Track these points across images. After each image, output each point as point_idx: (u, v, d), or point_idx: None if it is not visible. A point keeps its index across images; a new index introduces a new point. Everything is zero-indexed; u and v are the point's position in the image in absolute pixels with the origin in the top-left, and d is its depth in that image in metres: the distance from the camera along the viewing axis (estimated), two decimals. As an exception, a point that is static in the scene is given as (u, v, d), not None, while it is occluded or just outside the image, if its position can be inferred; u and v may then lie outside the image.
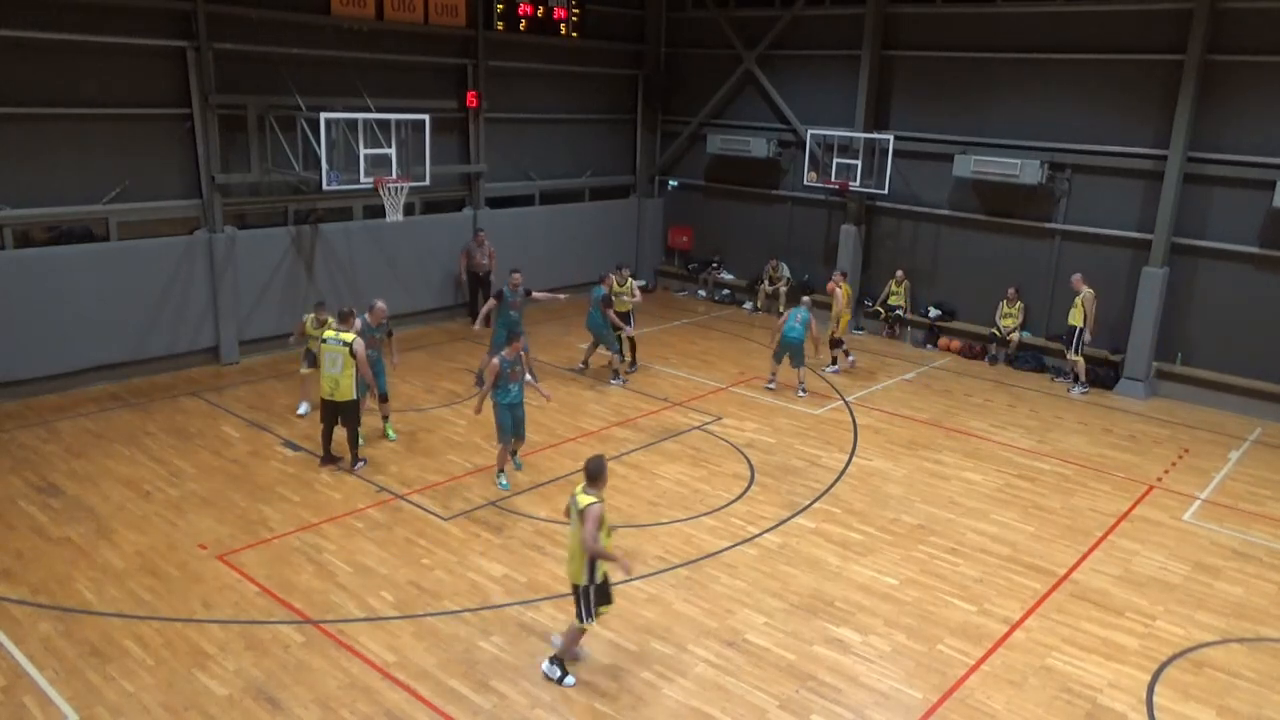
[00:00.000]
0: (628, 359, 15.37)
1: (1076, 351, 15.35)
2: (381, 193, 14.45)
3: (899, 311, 18.20)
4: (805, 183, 18.46)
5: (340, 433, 11.19)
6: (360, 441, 11.28)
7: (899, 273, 18.14)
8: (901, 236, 18.44)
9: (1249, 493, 11.73)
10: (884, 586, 9.10)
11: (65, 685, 7.17)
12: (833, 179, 17.80)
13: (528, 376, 11.13)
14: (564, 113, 19.75)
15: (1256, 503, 11.45)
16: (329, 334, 10.89)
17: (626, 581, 8.95)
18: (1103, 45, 15.44)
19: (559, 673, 7.44)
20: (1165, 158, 14.76)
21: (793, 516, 10.51)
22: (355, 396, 10.93)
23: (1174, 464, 12.56)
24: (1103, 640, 8.33)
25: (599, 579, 7.29)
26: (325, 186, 13.89)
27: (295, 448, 11.80)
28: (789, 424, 13.40)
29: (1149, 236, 15.14)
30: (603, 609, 7.44)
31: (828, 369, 16.01)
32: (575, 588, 7.33)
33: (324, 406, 11.06)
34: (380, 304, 11.95)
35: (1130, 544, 10.20)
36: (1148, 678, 7.83)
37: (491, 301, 13.60)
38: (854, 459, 12.25)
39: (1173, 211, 14.79)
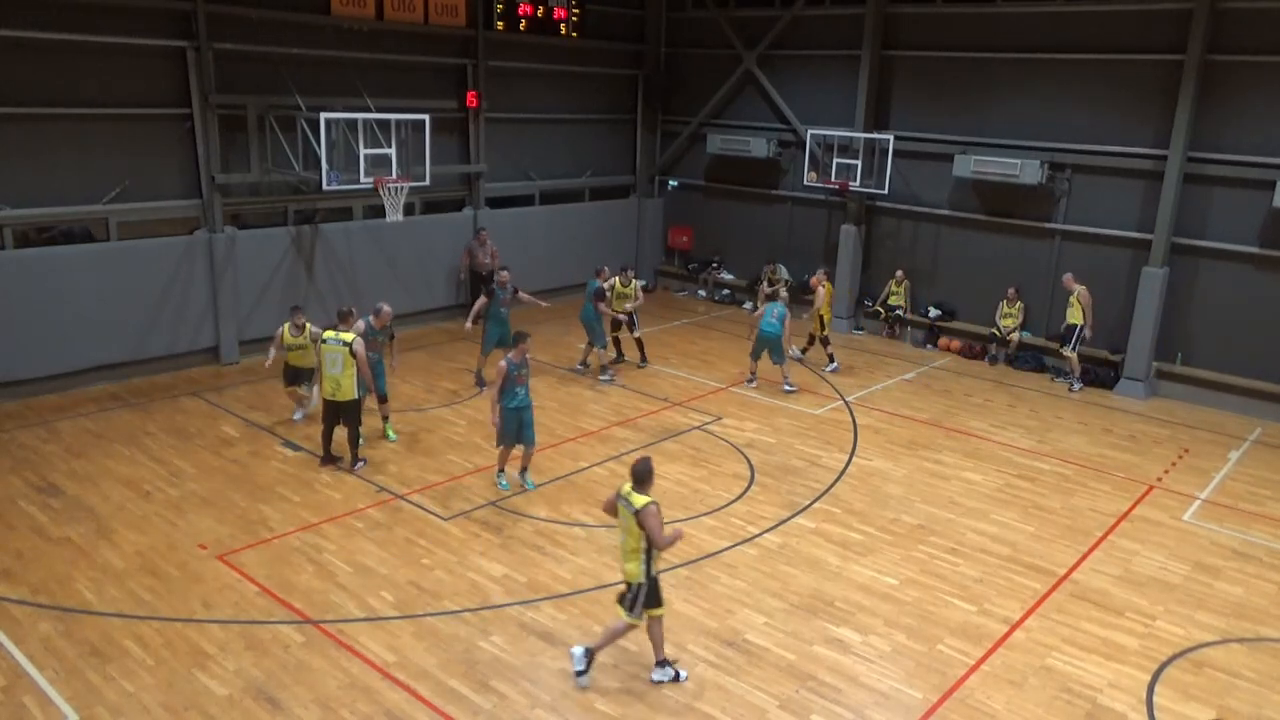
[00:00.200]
0: (621, 356, 15.58)
1: (1073, 349, 15.40)
2: (381, 193, 14.45)
3: (899, 311, 18.20)
4: (805, 183, 18.46)
5: (340, 433, 11.19)
6: (360, 441, 11.28)
7: (899, 273, 18.14)
8: (901, 236, 18.44)
9: (1249, 493, 11.73)
10: (884, 586, 9.10)
11: (65, 685, 7.17)
12: (833, 179, 17.80)
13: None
14: (564, 113, 19.75)
15: (1256, 503, 11.45)
16: (329, 334, 10.90)
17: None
18: (1103, 45, 15.44)
19: (584, 672, 7.41)
20: (1165, 158, 14.76)
21: (793, 516, 10.51)
22: (357, 396, 10.94)
23: (1174, 464, 12.56)
24: (1103, 640, 8.33)
25: (654, 576, 7.29)
26: (325, 186, 13.89)
27: (295, 448, 11.80)
28: (789, 424, 13.40)
29: (1149, 236, 15.14)
30: (654, 611, 7.41)
31: (827, 368, 16.04)
32: (629, 585, 7.28)
33: (325, 406, 11.07)
34: (386, 307, 12.00)
35: (1130, 544, 10.20)
36: (1148, 678, 7.83)
37: (481, 299, 13.73)
38: (854, 459, 12.25)
39: (1173, 211, 14.79)
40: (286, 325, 12.06)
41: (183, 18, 13.75)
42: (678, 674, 7.52)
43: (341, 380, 10.80)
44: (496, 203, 18.72)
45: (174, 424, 12.43)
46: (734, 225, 20.84)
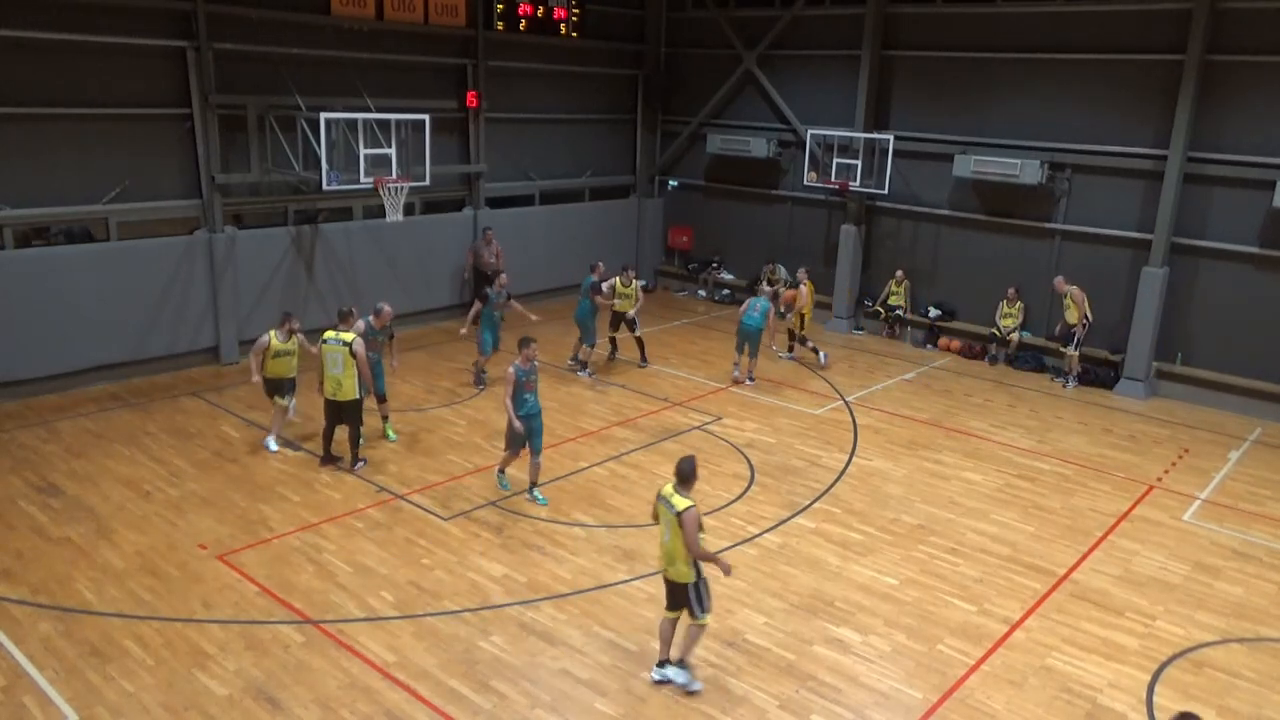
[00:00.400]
0: (615, 352, 15.77)
1: (1076, 348, 15.46)
2: (381, 193, 14.45)
3: (899, 311, 18.20)
4: (805, 183, 18.46)
5: (341, 433, 11.20)
6: (360, 441, 11.28)
7: (899, 273, 18.15)
8: (901, 236, 18.44)
9: (1249, 493, 11.73)
10: (884, 586, 9.10)
11: (65, 685, 7.17)
12: (833, 179, 17.80)
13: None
14: (564, 113, 19.75)
15: (1256, 503, 11.45)
16: (329, 334, 10.90)
17: (627, 581, 8.97)
18: (1103, 45, 15.44)
19: (684, 678, 7.39)
20: (1165, 158, 14.76)
21: (793, 516, 10.51)
22: (358, 396, 10.95)
23: (1174, 464, 12.56)
24: (1103, 640, 8.33)
25: (704, 573, 7.30)
26: (325, 186, 13.89)
27: (295, 448, 11.80)
28: (789, 424, 13.40)
29: (1149, 236, 15.14)
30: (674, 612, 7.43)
31: (784, 355, 16.45)
32: (684, 587, 7.25)
33: (327, 406, 11.07)
34: (387, 308, 12.01)
35: (1130, 544, 10.20)
36: (1148, 678, 7.83)
37: (477, 304, 13.78)
38: (854, 459, 12.25)
39: (1173, 211, 14.79)
40: (274, 332, 11.43)
41: (183, 18, 13.75)
42: (669, 680, 7.47)
43: (343, 380, 10.80)
44: (496, 203, 18.72)
45: (174, 424, 12.43)
46: (734, 225, 20.84)
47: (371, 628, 8.08)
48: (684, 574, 7.22)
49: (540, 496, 10.59)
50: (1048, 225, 16.46)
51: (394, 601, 8.49)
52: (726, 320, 19.24)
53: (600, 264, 15.37)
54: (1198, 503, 11.37)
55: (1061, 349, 15.85)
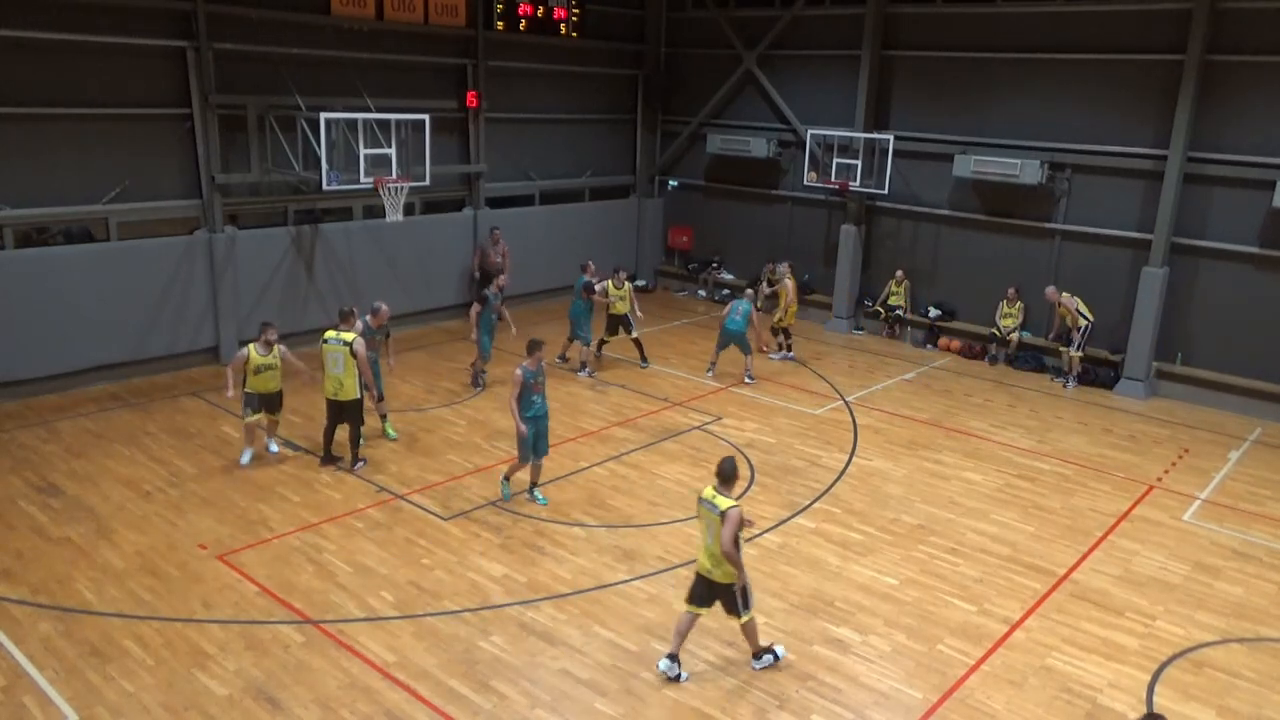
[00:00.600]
0: (600, 354, 15.81)
1: (1078, 348, 15.50)
2: (381, 193, 14.46)
3: (899, 311, 18.20)
4: (805, 183, 18.46)
5: (341, 433, 11.20)
6: (361, 441, 11.28)
7: (899, 273, 18.15)
8: (901, 236, 18.44)
9: (1249, 493, 11.73)
10: (884, 586, 9.09)
11: (65, 685, 7.17)
12: (833, 179, 17.80)
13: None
14: (564, 113, 19.75)
15: (1256, 503, 11.45)
16: (330, 334, 10.91)
17: (627, 581, 8.97)
18: (1103, 45, 15.44)
19: (771, 658, 7.67)
20: (1165, 158, 14.76)
21: (793, 516, 10.50)
22: (359, 396, 10.95)
23: (1174, 464, 12.56)
24: (1103, 640, 8.33)
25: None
26: (325, 186, 13.89)
27: (295, 448, 11.79)
28: (789, 424, 13.40)
29: (1149, 236, 15.14)
30: (698, 612, 7.55)
31: (772, 356, 16.55)
32: (728, 588, 7.36)
33: (328, 406, 11.07)
34: (384, 307, 12.07)
35: (1130, 544, 10.20)
36: (1148, 678, 7.83)
37: (475, 306, 13.74)
38: (854, 459, 12.25)
39: (1173, 211, 14.78)
40: (252, 345, 10.94)
41: (183, 18, 13.75)
42: (776, 656, 7.74)
43: (344, 380, 10.81)
44: (496, 203, 18.72)
45: (174, 424, 12.43)
46: (734, 225, 20.84)
47: (371, 628, 8.08)
48: (729, 574, 7.32)
49: (540, 496, 10.58)
50: (1048, 225, 16.46)
51: (394, 601, 8.49)
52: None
53: (591, 262, 15.48)
54: (1198, 503, 11.37)
55: (1060, 348, 15.88)
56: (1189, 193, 14.80)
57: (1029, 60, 16.25)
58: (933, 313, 17.82)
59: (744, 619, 7.50)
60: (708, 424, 13.23)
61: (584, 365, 15.17)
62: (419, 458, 11.66)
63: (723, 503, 7.22)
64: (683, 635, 7.56)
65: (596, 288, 15.09)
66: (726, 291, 20.84)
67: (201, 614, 8.17)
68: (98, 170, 13.40)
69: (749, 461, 11.94)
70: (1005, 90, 16.60)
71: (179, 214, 14.33)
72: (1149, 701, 7.52)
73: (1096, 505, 11.13)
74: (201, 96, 14.02)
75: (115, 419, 12.55)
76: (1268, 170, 14.02)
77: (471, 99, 17.55)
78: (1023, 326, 16.75)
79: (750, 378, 15.13)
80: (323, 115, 13.50)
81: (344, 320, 11.06)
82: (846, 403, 14.48)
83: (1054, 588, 9.21)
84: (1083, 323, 15.41)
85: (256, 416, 11.11)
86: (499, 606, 8.48)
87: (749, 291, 15.46)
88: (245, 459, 11.17)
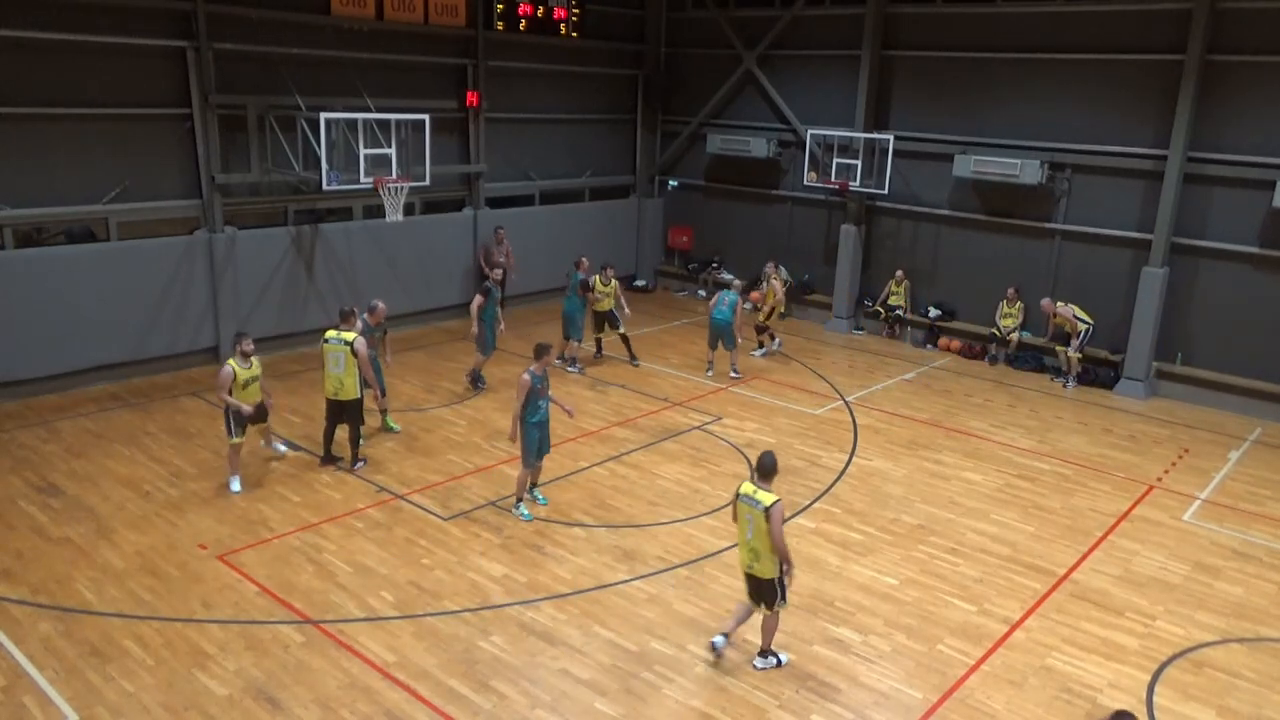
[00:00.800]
0: (600, 352, 15.96)
1: (1078, 349, 15.54)
2: (381, 193, 14.45)
3: (899, 311, 18.20)
4: (805, 183, 18.46)
5: (341, 433, 11.19)
6: (360, 441, 11.28)
7: (899, 273, 18.15)
8: (901, 236, 18.44)
9: (1249, 493, 11.73)
10: (884, 586, 9.09)
11: (65, 685, 7.17)
12: (833, 179, 17.80)
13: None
14: (564, 113, 19.75)
15: (1256, 503, 11.45)
16: (330, 334, 10.92)
17: (627, 581, 8.97)
18: (1103, 45, 15.43)
19: (774, 661, 7.70)
20: (1165, 158, 14.76)
21: (793, 516, 10.50)
22: (359, 395, 10.95)
23: (1174, 464, 12.56)
24: (1103, 640, 8.33)
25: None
26: (325, 186, 13.89)
27: (295, 448, 11.79)
28: (789, 424, 13.40)
29: (1149, 236, 15.14)
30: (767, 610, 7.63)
31: (756, 353, 16.62)
32: (769, 582, 7.42)
33: (328, 406, 11.07)
34: (380, 305, 12.13)
35: (1130, 544, 10.20)
36: (1148, 678, 7.83)
37: (478, 298, 13.59)
38: (854, 459, 12.25)
39: (1173, 211, 14.78)
40: (233, 361, 10.35)
41: (183, 18, 13.75)
42: (780, 660, 7.78)
43: (344, 379, 10.81)
44: (496, 203, 18.72)
45: (174, 424, 12.43)
46: (734, 225, 20.84)
47: (371, 628, 8.08)
48: (769, 569, 7.38)
49: (541, 496, 10.57)
50: (1048, 225, 16.46)
51: (394, 601, 8.49)
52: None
53: (584, 259, 15.55)
54: (1198, 503, 11.37)
55: (1056, 348, 15.95)
56: (1189, 193, 14.80)
57: (1029, 60, 16.25)
58: (933, 313, 17.82)
59: (773, 610, 7.55)
60: (708, 424, 13.23)
61: (573, 360, 15.23)
62: (419, 458, 11.66)
63: (765, 498, 7.27)
64: (740, 619, 7.76)
65: (579, 272, 15.26)
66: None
67: (201, 614, 8.17)
68: (98, 170, 13.40)
69: (749, 461, 11.94)
70: (1005, 90, 16.60)
71: (179, 214, 14.33)
72: (1149, 701, 7.52)
73: (1096, 505, 11.13)
74: (201, 96, 14.02)
75: (115, 419, 12.55)
76: (1268, 170, 14.02)
77: (471, 99, 17.55)
78: (1023, 326, 16.75)
79: (735, 372, 15.27)
80: (323, 115, 13.50)
81: (345, 320, 11.07)
82: (846, 403, 14.48)
83: (1054, 588, 9.21)
84: (1082, 328, 15.50)
85: (243, 438, 10.51)
86: (499, 606, 8.48)
87: (736, 283, 15.65)
88: (236, 486, 10.52)
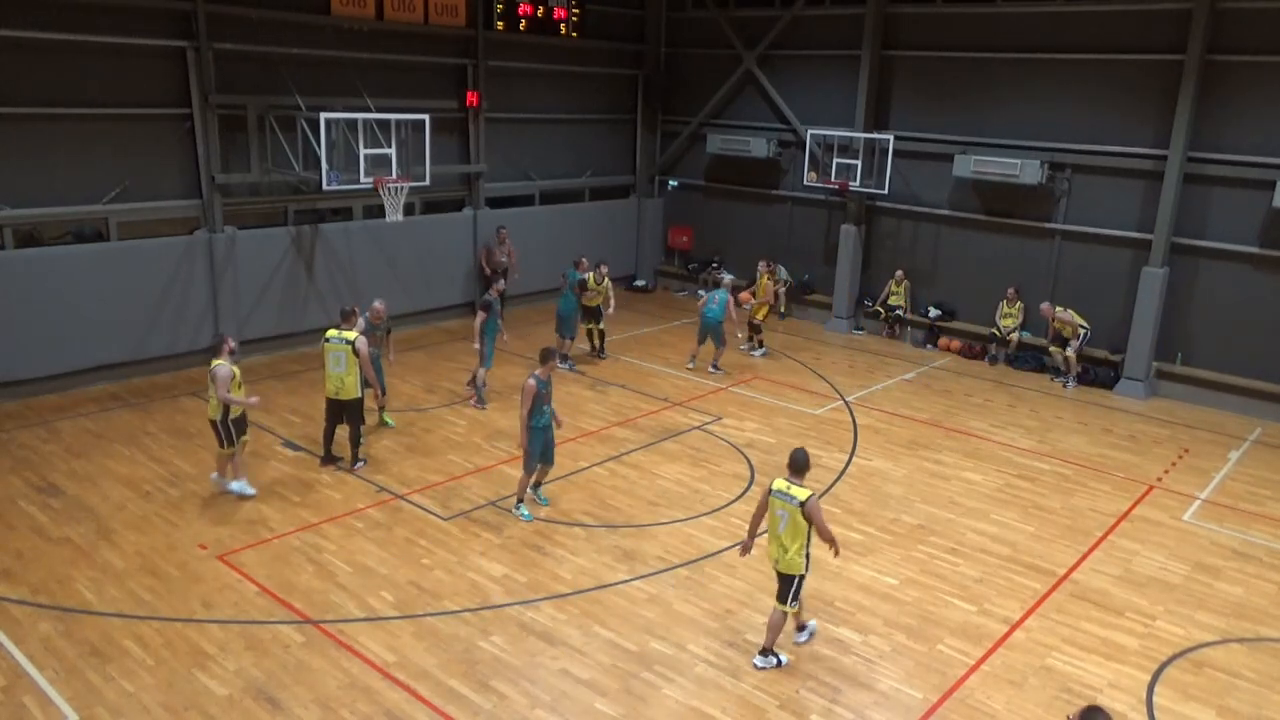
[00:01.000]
0: (595, 349, 16.12)
1: (1075, 351, 15.58)
2: (381, 193, 14.45)
3: (899, 311, 18.20)
4: (805, 183, 18.46)
5: (341, 433, 11.19)
6: (361, 441, 11.28)
7: (899, 273, 18.15)
8: (901, 236, 18.44)
9: (1249, 493, 11.73)
10: (884, 586, 9.09)
11: (65, 685, 7.17)
12: (833, 179, 17.80)
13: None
14: (564, 113, 19.75)
15: (1256, 503, 11.45)
16: (332, 333, 10.92)
17: (627, 581, 8.97)
18: (1103, 45, 15.43)
19: (775, 661, 7.74)
20: (1165, 158, 14.76)
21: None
22: (360, 395, 10.95)
23: (1174, 464, 12.56)
24: (1103, 640, 8.33)
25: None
26: (325, 186, 13.89)
27: (295, 448, 11.79)
28: (789, 424, 13.40)
29: (1149, 236, 15.14)
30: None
31: (744, 347, 16.81)
32: (792, 578, 7.57)
33: (328, 405, 11.07)
34: (379, 304, 12.18)
35: (1130, 544, 10.20)
36: (1148, 678, 7.83)
37: (481, 314, 13.22)
38: (854, 459, 12.25)
39: (1173, 211, 14.78)
40: (224, 360, 9.76)
41: (183, 18, 13.75)
42: (780, 661, 7.82)
43: (345, 379, 10.81)
44: (496, 203, 18.72)
45: (174, 424, 12.42)
46: (734, 225, 20.84)
47: (371, 628, 8.08)
48: (797, 565, 7.53)
49: (543, 497, 10.57)
50: (1048, 225, 16.46)
51: (394, 601, 8.49)
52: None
53: (584, 259, 15.61)
54: (1198, 503, 11.37)
55: (1051, 349, 16.04)
56: (1189, 193, 14.80)
57: (1029, 60, 16.25)
58: (933, 313, 17.82)
59: (785, 608, 7.65)
60: (708, 424, 13.23)
61: (564, 357, 15.26)
62: (419, 458, 11.66)
63: (800, 493, 7.40)
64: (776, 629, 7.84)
65: (577, 271, 15.36)
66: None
67: (201, 614, 8.17)
68: (98, 170, 13.40)
69: (749, 461, 11.95)
70: (1005, 90, 16.60)
71: (179, 214, 14.33)
72: (1149, 701, 7.53)
73: (1096, 505, 11.13)
74: (201, 96, 14.02)
75: (115, 419, 12.55)
76: (1268, 170, 14.02)
77: (471, 99, 17.55)
78: (1022, 326, 16.76)
79: (715, 367, 15.49)
80: (323, 115, 13.50)
81: (346, 320, 11.07)
82: (846, 403, 14.48)
83: (1054, 588, 9.21)
84: (1081, 332, 15.53)
85: (231, 448, 10.07)
86: (499, 606, 8.48)
87: (726, 280, 15.78)
88: (248, 489, 10.29)
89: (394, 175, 14.29)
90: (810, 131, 18.12)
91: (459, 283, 18.12)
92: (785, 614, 7.71)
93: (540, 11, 18.36)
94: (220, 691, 7.17)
